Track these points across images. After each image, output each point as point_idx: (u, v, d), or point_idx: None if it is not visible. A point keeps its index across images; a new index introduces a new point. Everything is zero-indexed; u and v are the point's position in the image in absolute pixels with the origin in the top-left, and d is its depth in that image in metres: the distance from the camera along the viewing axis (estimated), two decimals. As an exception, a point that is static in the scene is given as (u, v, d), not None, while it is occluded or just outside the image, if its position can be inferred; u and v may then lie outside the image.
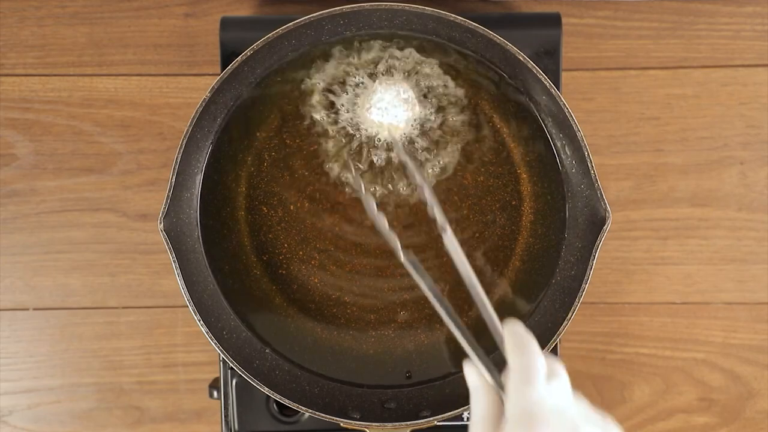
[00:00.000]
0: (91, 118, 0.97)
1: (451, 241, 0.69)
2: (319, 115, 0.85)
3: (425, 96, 0.85)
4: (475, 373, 0.65)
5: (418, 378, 0.86)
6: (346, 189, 0.86)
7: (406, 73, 0.84)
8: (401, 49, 0.84)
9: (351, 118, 0.85)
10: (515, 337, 0.64)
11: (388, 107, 0.83)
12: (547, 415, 0.60)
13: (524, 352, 0.63)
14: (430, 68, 0.85)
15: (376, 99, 0.84)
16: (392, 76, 0.84)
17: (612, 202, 0.94)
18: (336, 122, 0.85)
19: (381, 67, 0.84)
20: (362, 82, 0.84)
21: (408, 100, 0.83)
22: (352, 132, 0.85)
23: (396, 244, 0.69)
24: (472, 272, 0.68)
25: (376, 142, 0.85)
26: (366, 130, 0.84)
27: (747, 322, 0.98)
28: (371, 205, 0.69)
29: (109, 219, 0.98)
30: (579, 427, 0.61)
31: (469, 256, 0.83)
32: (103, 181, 0.98)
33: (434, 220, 0.69)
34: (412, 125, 0.84)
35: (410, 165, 0.75)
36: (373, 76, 0.84)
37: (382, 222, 0.69)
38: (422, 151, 0.85)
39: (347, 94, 0.85)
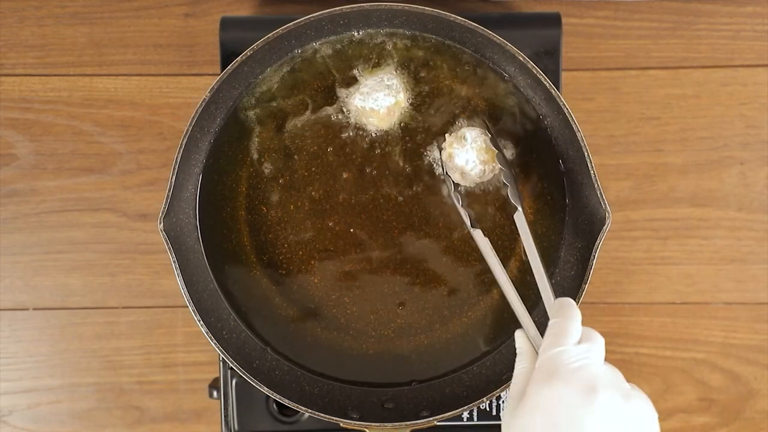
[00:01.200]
0: (91, 118, 0.97)
1: (520, 218, 0.79)
2: (319, 113, 0.85)
3: (424, 94, 0.85)
4: (523, 337, 0.76)
5: (418, 378, 0.86)
6: (344, 192, 0.86)
7: (397, 64, 0.84)
8: (396, 42, 0.84)
9: (347, 110, 0.85)
10: (560, 305, 0.73)
11: (370, 92, 0.83)
12: (565, 373, 0.67)
13: (563, 315, 0.71)
14: (425, 62, 0.85)
15: (360, 86, 0.84)
16: (380, 66, 0.84)
17: (612, 202, 0.94)
18: (336, 116, 0.85)
19: (373, 59, 0.84)
20: (357, 76, 0.85)
21: (391, 86, 0.83)
22: (347, 124, 0.85)
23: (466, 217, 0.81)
24: (536, 249, 0.78)
25: (370, 132, 0.85)
26: (354, 119, 0.84)
27: (747, 322, 0.98)
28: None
29: (109, 219, 0.98)
30: (596, 389, 0.66)
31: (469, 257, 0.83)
32: (103, 181, 0.98)
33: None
34: (399, 114, 0.84)
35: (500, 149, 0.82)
36: (365, 68, 0.85)
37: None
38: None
39: (345, 88, 0.85)
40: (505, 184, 0.81)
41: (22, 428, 1.00)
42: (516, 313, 0.78)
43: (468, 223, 0.81)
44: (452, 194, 0.83)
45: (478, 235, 0.81)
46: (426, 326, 0.87)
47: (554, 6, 0.96)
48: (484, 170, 0.82)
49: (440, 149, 0.84)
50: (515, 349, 0.76)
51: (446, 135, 0.84)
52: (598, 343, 0.70)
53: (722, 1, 0.96)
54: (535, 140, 0.85)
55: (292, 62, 0.85)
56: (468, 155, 0.82)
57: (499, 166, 0.81)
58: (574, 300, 0.79)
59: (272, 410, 0.89)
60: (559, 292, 0.83)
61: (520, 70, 0.82)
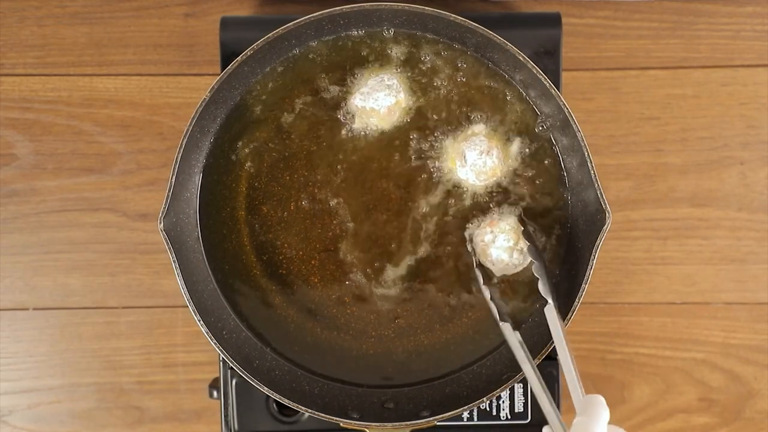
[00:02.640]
0: (91, 118, 0.97)
1: (551, 312, 0.78)
2: (319, 113, 0.85)
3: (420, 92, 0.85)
4: None
5: (418, 378, 0.86)
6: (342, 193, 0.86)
7: (398, 64, 0.84)
8: (397, 43, 0.84)
9: (347, 110, 0.85)
10: (588, 403, 0.70)
11: (371, 92, 0.83)
12: None
13: (588, 414, 0.69)
14: (428, 62, 0.85)
15: (360, 86, 0.84)
16: (380, 66, 0.84)
17: (612, 202, 0.94)
18: (337, 116, 0.85)
19: (373, 59, 0.84)
20: (357, 76, 0.85)
21: (392, 86, 0.83)
22: (348, 124, 0.85)
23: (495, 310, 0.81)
24: (566, 340, 0.77)
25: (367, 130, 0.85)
26: (354, 119, 0.84)
27: (747, 322, 0.98)
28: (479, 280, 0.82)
29: (109, 219, 0.98)
30: None
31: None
32: (103, 181, 0.98)
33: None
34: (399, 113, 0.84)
35: (534, 242, 0.82)
36: (365, 67, 0.85)
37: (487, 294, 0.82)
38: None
39: (345, 88, 0.85)
40: (536, 276, 0.80)
41: (22, 428, 1.00)
42: (543, 410, 0.76)
43: (497, 316, 0.80)
44: (482, 287, 0.82)
45: (507, 329, 0.80)
46: (426, 326, 0.87)
47: (554, 6, 0.96)
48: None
49: (471, 241, 0.84)
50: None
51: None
52: None
53: (722, 1, 0.96)
54: (534, 140, 0.85)
55: (292, 62, 0.85)
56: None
57: (530, 258, 0.81)
58: (574, 300, 0.79)
59: (272, 410, 0.89)
60: (559, 292, 0.83)
61: (520, 70, 0.82)
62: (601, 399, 0.70)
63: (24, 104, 0.97)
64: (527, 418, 0.88)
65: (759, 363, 0.99)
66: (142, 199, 0.98)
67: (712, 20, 0.96)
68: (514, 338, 0.79)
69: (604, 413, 0.69)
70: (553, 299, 0.79)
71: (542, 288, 0.80)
